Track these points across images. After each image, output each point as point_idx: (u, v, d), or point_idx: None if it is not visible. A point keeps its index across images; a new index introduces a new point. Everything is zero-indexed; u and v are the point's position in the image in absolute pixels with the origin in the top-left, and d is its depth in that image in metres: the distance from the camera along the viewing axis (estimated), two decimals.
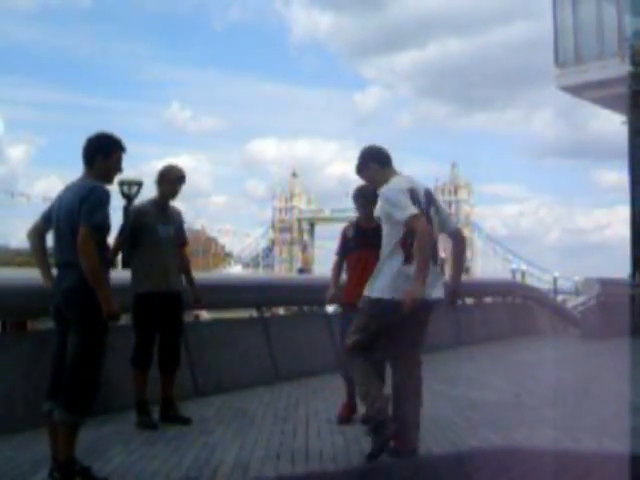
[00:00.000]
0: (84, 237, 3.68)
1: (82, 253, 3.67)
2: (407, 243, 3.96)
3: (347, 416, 5.22)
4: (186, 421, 5.10)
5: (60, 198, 3.91)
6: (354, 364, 4.24)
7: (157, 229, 5.13)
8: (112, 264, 5.08)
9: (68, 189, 3.91)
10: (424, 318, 4.15)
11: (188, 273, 5.44)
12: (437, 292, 4.07)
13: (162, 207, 5.26)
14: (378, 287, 4.04)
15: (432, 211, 4.13)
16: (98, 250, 3.74)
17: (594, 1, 19.93)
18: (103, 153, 3.94)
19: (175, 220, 5.31)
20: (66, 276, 3.79)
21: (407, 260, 3.95)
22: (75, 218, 3.73)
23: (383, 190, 4.08)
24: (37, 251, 4.03)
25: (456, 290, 4.44)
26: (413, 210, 3.87)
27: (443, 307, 4.33)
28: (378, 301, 4.03)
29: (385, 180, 4.15)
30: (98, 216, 3.75)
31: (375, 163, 4.24)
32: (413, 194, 3.99)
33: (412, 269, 3.90)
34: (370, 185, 4.68)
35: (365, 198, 5.18)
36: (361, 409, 5.15)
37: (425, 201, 4.09)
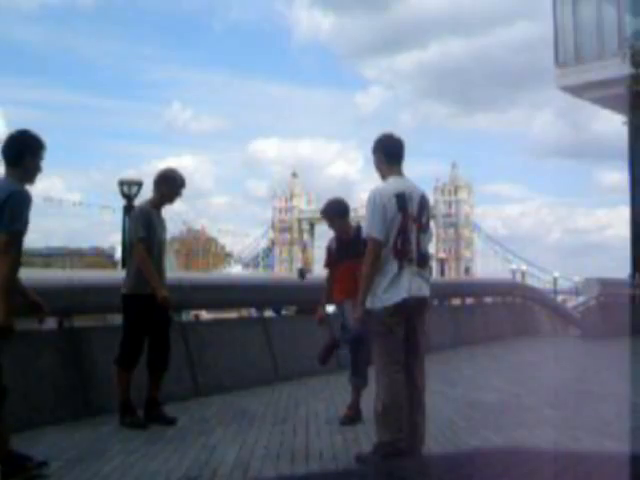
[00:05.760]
0: (5, 244, 3.49)
1: (2, 259, 3.47)
2: (398, 249, 4.00)
3: (351, 417, 5.18)
4: (171, 421, 5.02)
5: None
6: (383, 381, 3.99)
7: (157, 231, 5.12)
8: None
9: None
10: (417, 319, 4.14)
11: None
12: (423, 291, 4.11)
13: (159, 209, 5.24)
14: (376, 297, 4.00)
15: (424, 218, 4.17)
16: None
17: (594, 1, 19.96)
18: (31, 152, 3.75)
19: (166, 223, 5.32)
20: None
21: (401, 266, 3.99)
22: None
23: (371, 193, 4.12)
24: None
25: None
26: (376, 234, 3.97)
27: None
28: (383, 310, 3.98)
29: (385, 175, 4.20)
30: (20, 223, 3.56)
31: (382, 155, 4.25)
32: (400, 199, 4.03)
33: (411, 270, 4.00)
34: (336, 200, 5.43)
35: (328, 216, 5.45)
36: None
37: (418, 207, 4.12)
